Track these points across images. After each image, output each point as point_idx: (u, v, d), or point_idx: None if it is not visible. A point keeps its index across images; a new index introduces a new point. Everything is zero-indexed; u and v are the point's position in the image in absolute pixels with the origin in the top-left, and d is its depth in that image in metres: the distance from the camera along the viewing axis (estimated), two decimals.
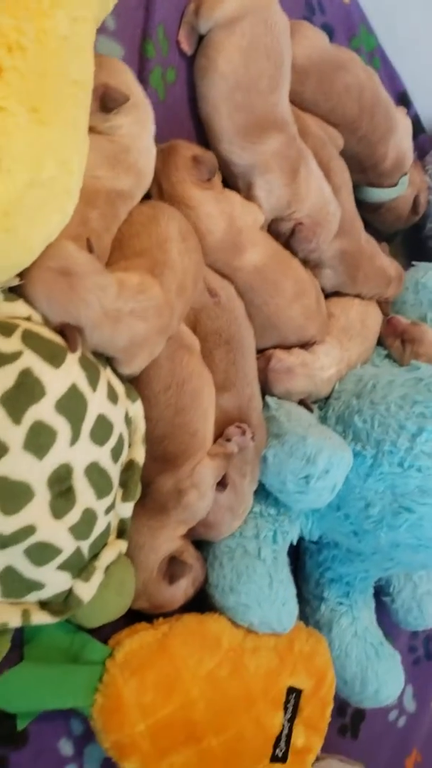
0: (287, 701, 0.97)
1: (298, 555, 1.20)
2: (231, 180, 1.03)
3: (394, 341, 1.23)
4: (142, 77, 0.96)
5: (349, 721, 1.33)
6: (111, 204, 0.83)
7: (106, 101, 0.82)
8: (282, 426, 0.99)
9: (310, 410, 1.07)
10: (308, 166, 1.03)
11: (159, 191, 0.94)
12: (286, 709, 0.98)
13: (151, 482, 0.89)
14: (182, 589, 0.94)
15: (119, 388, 0.81)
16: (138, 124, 0.87)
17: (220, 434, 0.95)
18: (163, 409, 0.88)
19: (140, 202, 0.90)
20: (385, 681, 1.14)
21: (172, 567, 0.91)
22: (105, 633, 0.91)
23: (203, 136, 1.03)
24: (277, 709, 0.98)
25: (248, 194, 1.02)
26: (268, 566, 0.99)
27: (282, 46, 0.99)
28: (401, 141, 1.24)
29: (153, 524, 0.90)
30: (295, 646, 1.00)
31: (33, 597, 0.76)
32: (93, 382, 0.74)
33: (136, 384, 0.87)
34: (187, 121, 1.03)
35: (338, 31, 1.28)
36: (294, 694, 0.98)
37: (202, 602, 0.99)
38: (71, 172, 0.68)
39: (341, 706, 1.25)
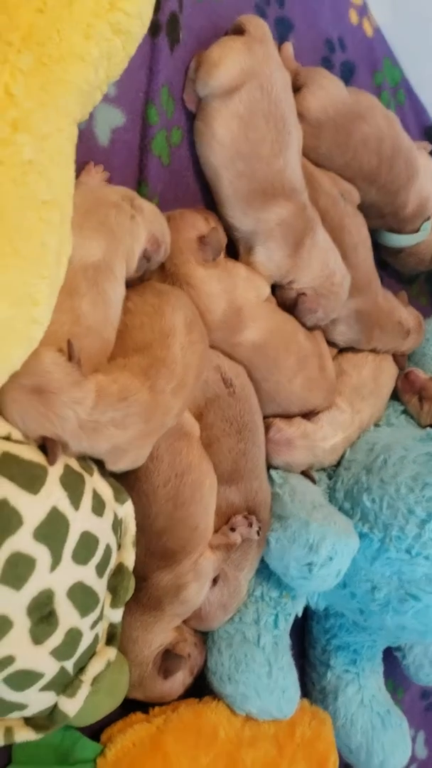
0: None
1: (305, 618, 1.16)
2: (233, 242, 0.98)
3: (411, 398, 1.18)
4: (144, 145, 0.92)
5: None
6: (94, 283, 0.76)
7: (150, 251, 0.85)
8: (285, 507, 0.95)
9: (313, 481, 1.03)
10: (315, 237, 0.97)
11: (161, 268, 0.89)
12: None
13: (146, 577, 0.86)
14: (179, 681, 0.91)
15: (107, 493, 0.77)
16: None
17: (226, 523, 0.91)
18: (163, 503, 0.84)
19: (146, 285, 0.86)
20: (391, 752, 1.11)
21: (167, 662, 0.88)
22: (98, 722, 0.88)
23: (210, 197, 0.98)
24: None
25: (248, 258, 0.97)
26: (268, 654, 0.95)
27: (282, 108, 0.93)
28: (423, 186, 1.17)
29: (147, 619, 0.87)
30: (296, 732, 0.98)
31: (16, 715, 0.74)
32: (76, 499, 0.71)
33: (135, 478, 0.83)
34: (193, 183, 0.98)
35: (360, 67, 1.21)
36: None
37: (204, 682, 0.97)
38: (36, 303, 0.64)
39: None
